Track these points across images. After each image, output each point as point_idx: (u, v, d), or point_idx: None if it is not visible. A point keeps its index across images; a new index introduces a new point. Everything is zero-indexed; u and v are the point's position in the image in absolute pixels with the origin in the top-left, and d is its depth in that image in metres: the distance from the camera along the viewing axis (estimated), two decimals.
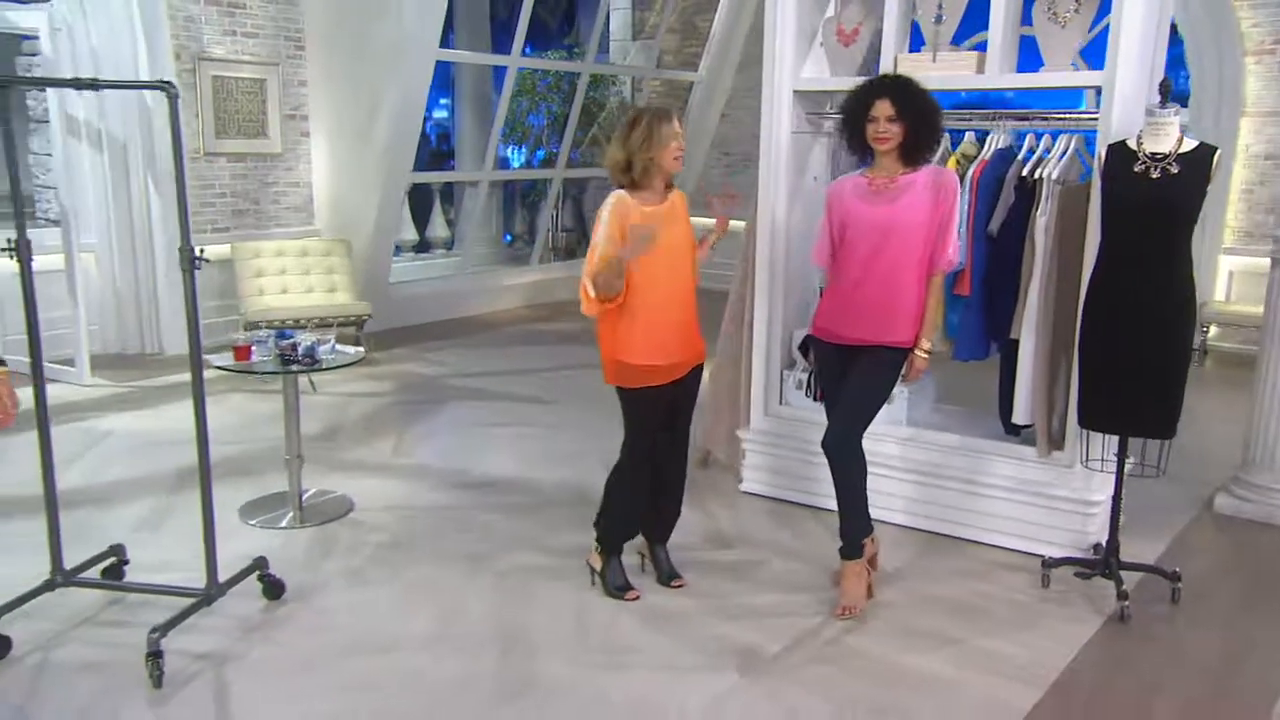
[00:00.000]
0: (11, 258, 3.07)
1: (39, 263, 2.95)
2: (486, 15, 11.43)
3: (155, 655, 2.88)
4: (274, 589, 3.44)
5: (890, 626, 3.35)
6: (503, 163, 13.87)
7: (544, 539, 4.05)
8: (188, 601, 3.16)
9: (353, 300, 7.39)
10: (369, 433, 5.52)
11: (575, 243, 11.98)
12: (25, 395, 5.86)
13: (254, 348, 4.06)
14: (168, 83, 2.86)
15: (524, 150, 13.02)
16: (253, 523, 4.19)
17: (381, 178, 7.86)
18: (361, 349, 4.33)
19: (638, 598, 3.48)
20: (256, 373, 4.08)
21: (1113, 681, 3.04)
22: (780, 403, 4.58)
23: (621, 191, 3.32)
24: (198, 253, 3.00)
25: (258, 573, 3.41)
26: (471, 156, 12.13)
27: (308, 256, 7.45)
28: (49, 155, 6.83)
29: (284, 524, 4.18)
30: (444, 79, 12.64)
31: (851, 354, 3.45)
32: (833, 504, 4.24)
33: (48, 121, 6.76)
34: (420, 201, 10.99)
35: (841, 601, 3.43)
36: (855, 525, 3.45)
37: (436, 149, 15.49)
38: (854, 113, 3.33)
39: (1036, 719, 2.82)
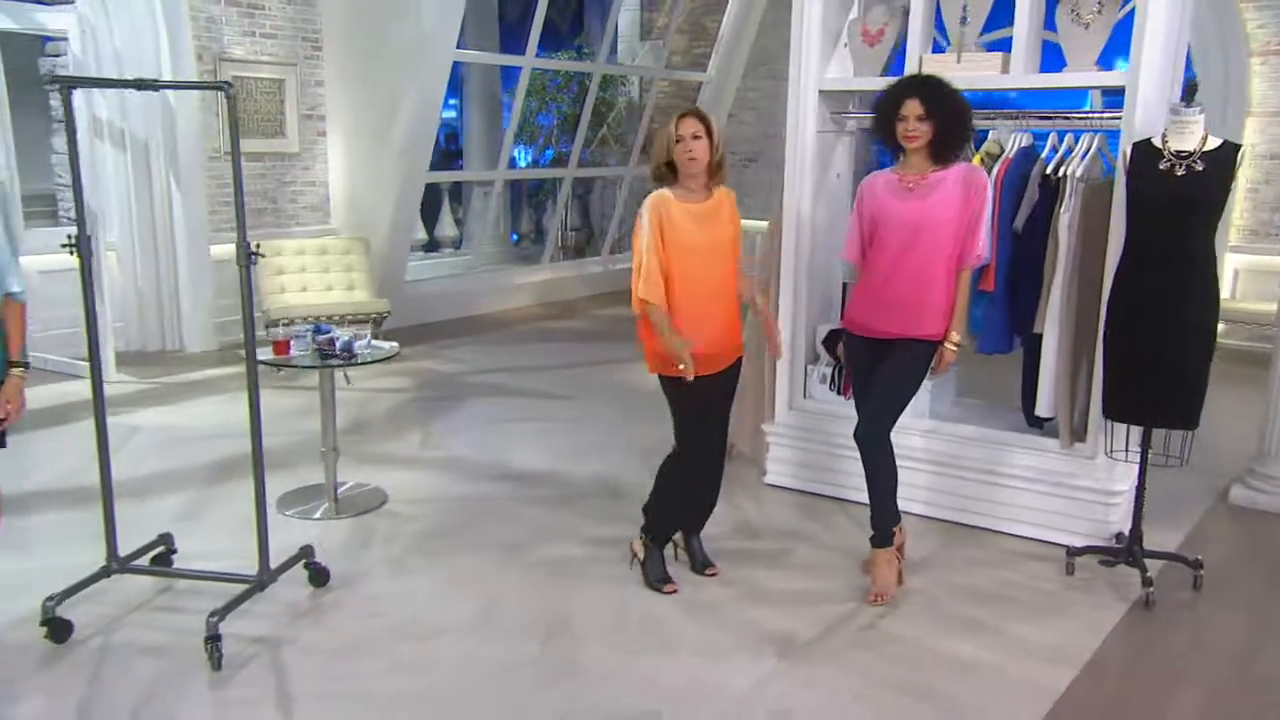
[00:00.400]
0: (71, 253, 3.14)
1: (61, 261, 2.97)
2: (495, 16, 11.52)
3: (214, 639, 2.96)
4: (320, 576, 3.53)
5: (922, 612, 3.44)
6: (510, 162, 13.96)
7: (578, 530, 4.14)
8: (239, 588, 3.25)
9: (371, 298, 7.46)
10: (395, 427, 5.60)
11: (584, 242, 12.07)
12: (60, 391, 5.97)
13: (293, 343, 4.14)
14: (226, 83, 2.94)
15: (531, 150, 13.10)
16: (289, 513, 4.28)
17: (399, 177, 7.94)
18: (396, 344, 4.41)
19: (675, 590, 3.54)
20: (295, 367, 4.15)
21: (1141, 665, 3.13)
22: (804, 397, 4.67)
23: (662, 190, 3.41)
24: (253, 248, 3.07)
25: (304, 560, 3.49)
26: (480, 156, 12.22)
27: (327, 255, 7.51)
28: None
29: (319, 515, 4.26)
30: (452, 79, 12.73)
31: (882, 347, 3.54)
32: (857, 496, 4.37)
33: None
34: (429, 201, 11.06)
35: (873, 588, 3.52)
36: (885, 514, 3.54)
37: (445, 149, 15.56)
38: (885, 111, 3.42)
39: (1070, 700, 2.90)
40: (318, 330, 4.20)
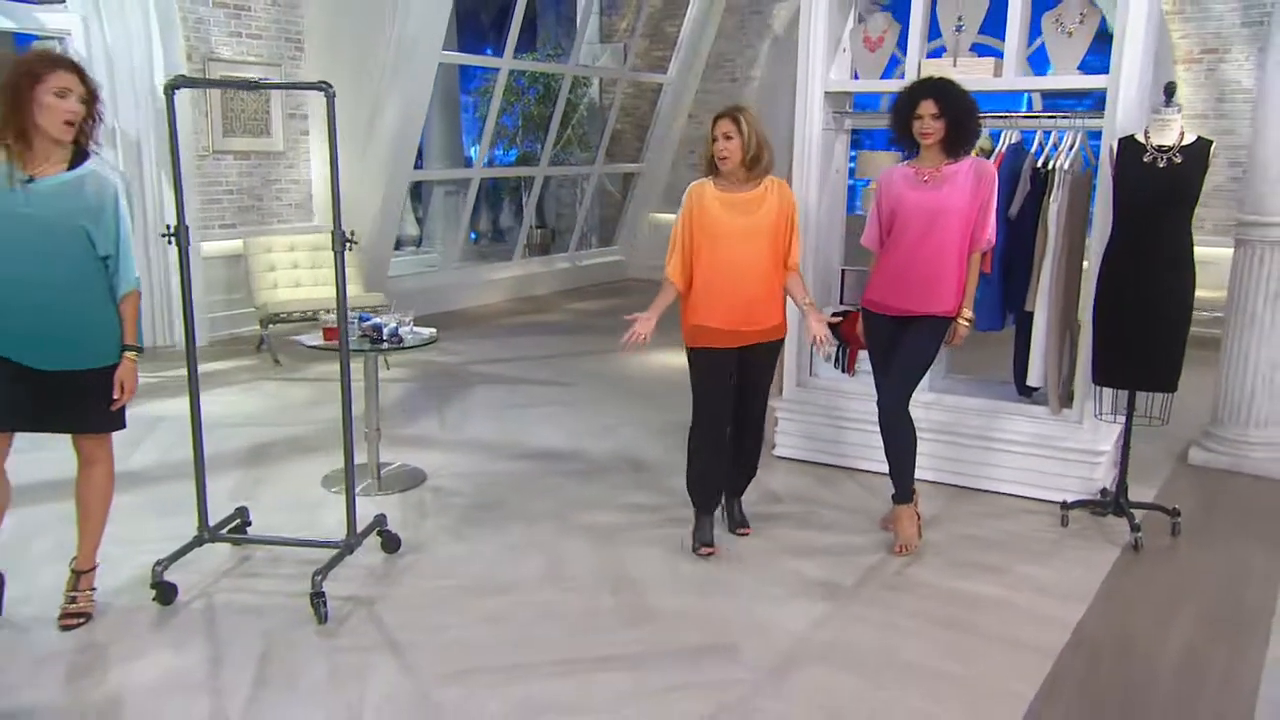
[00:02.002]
0: (170, 242, 3.33)
1: None
2: (452, 16, 11.70)
3: (319, 595, 3.20)
4: (391, 543, 3.77)
5: (941, 560, 3.84)
6: (467, 161, 14.14)
7: (611, 499, 4.44)
8: (323, 553, 3.49)
9: (363, 292, 7.63)
10: (410, 413, 5.82)
11: (549, 239, 12.33)
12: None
13: None
14: (325, 83, 3.17)
15: (497, 149, 13.31)
16: (334, 490, 4.49)
17: (385, 176, 8.12)
18: (434, 330, 4.65)
19: (710, 553, 3.82)
20: (334, 349, 4.35)
21: (1140, 597, 3.57)
22: (810, 375, 5.05)
23: (703, 180, 3.75)
24: (349, 235, 3.30)
25: (378, 529, 3.73)
26: (439, 155, 12.40)
27: (318, 251, 7.67)
28: None
29: (362, 491, 4.47)
30: None
31: (900, 324, 3.93)
32: (863, 464, 4.78)
33: None
34: None
35: (898, 540, 3.91)
36: (908, 475, 3.93)
37: None
38: (902, 111, 3.81)
39: (1086, 626, 3.32)
40: (362, 318, 4.42)
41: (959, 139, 3.77)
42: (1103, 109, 4.12)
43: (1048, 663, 3.06)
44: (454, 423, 5.68)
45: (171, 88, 3.26)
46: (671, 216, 3.86)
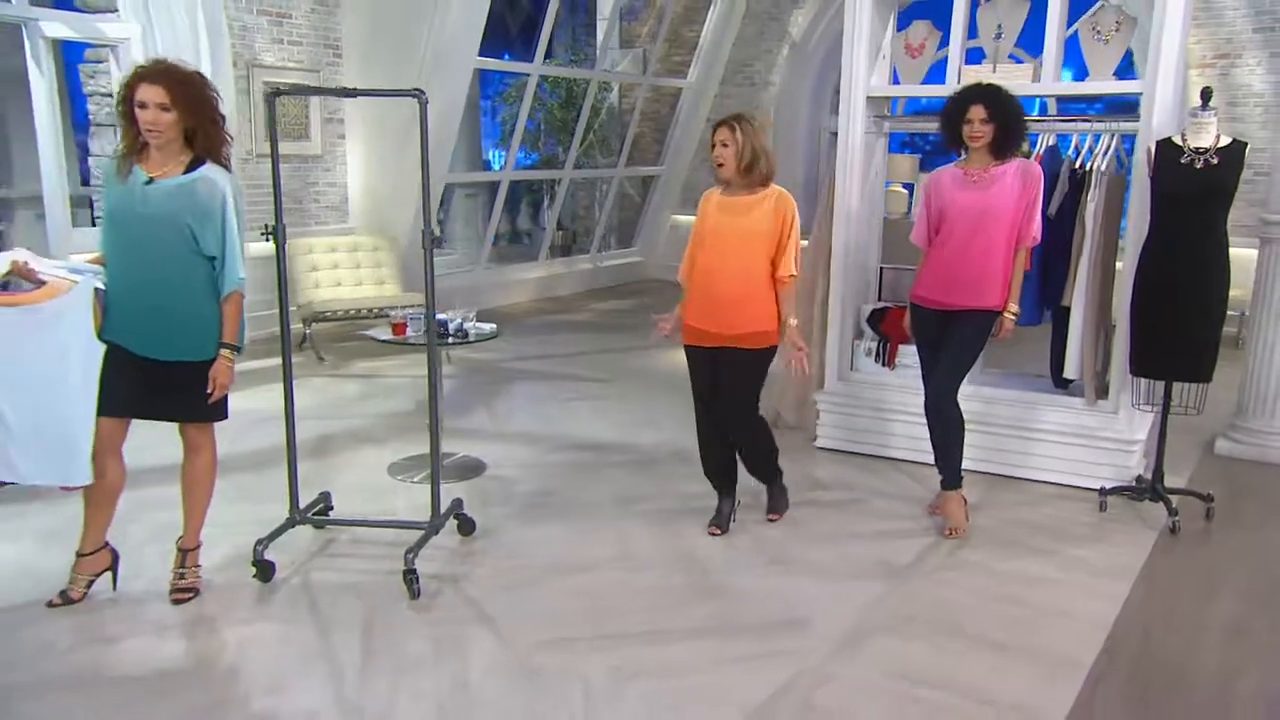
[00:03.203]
0: (267, 240, 3.53)
1: (64, 259, 3.23)
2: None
3: (411, 572, 3.40)
4: (467, 526, 3.96)
5: (990, 542, 4.03)
6: (486, 165, 14.35)
7: (665, 488, 4.63)
8: (401, 534, 3.69)
9: (401, 292, 7.84)
10: (461, 408, 6.01)
11: (570, 241, 12.54)
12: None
13: (409, 325, 4.55)
14: (419, 90, 3.36)
15: (507, 151, 13.51)
16: (399, 479, 4.68)
17: (421, 178, 8.29)
18: (495, 325, 4.84)
19: (716, 534, 4.02)
20: (413, 344, 4.56)
21: (1183, 575, 3.77)
22: (851, 369, 5.25)
23: (714, 188, 3.93)
24: (435, 233, 3.50)
25: (455, 512, 3.92)
26: (459, 158, 12.58)
27: (357, 252, 7.87)
28: (110, 158, 7.11)
29: (420, 479, 4.66)
30: None
31: (948, 318, 4.12)
32: (903, 454, 4.98)
33: (112, 125, 7.06)
34: None
35: (948, 524, 4.10)
36: (957, 462, 4.12)
37: None
38: (952, 115, 4.01)
39: (1134, 601, 3.52)
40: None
41: (1007, 142, 3.97)
42: (1119, 112, 4.32)
43: (1102, 634, 3.26)
44: (503, 416, 5.87)
45: (272, 95, 3.45)
46: (690, 218, 4.06)
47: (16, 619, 3.20)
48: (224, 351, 3.21)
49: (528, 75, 9.97)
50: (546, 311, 9.77)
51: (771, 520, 4.18)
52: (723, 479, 4.13)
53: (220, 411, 3.28)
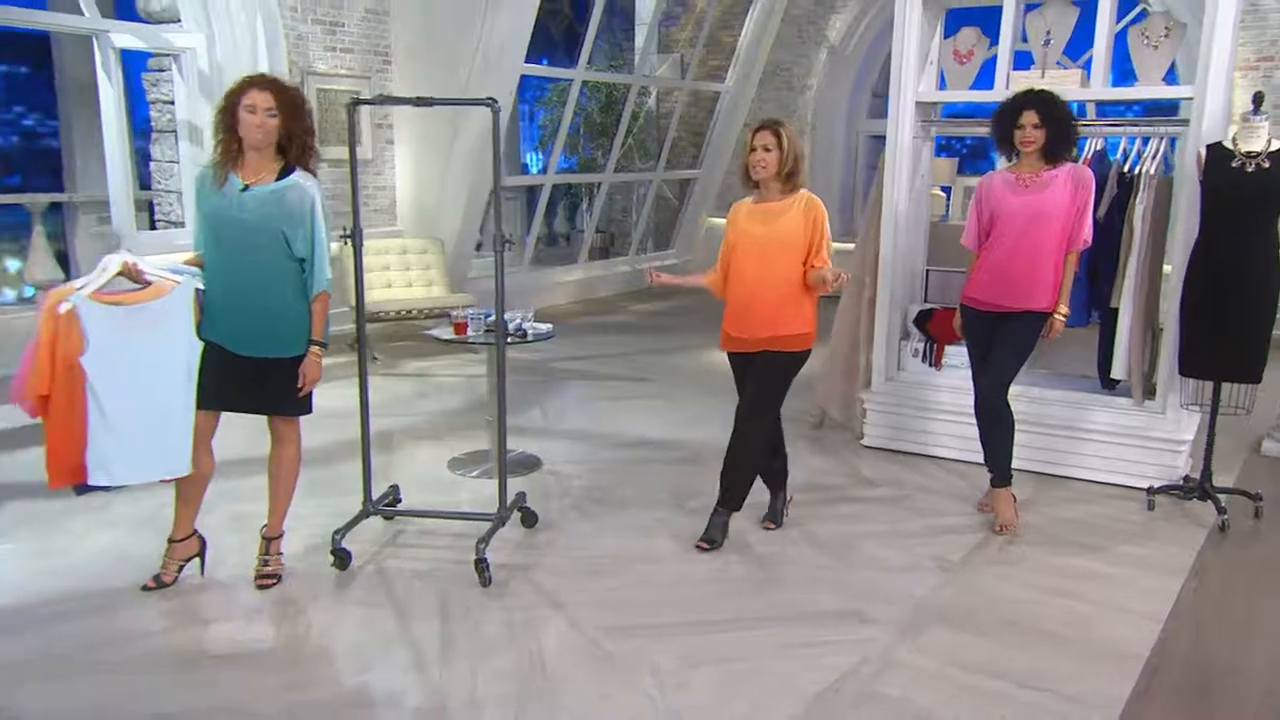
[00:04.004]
0: (345, 244, 3.70)
1: (163, 260, 3.36)
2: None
3: (482, 561, 3.54)
4: (530, 518, 4.11)
5: (1040, 538, 4.11)
6: (524, 168, 14.53)
7: (716, 484, 4.72)
8: (468, 526, 3.85)
9: (448, 293, 8.01)
10: (512, 406, 6.12)
11: (609, 243, 12.69)
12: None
13: (470, 324, 4.70)
14: (491, 99, 3.51)
15: (546, 155, 13.68)
16: (459, 473, 4.84)
17: (468, 182, 8.49)
18: (551, 325, 4.99)
19: (769, 529, 4.12)
20: (475, 343, 4.71)
21: (1233, 572, 3.83)
22: (898, 369, 5.34)
23: (745, 198, 3.95)
24: (507, 236, 3.64)
25: (519, 505, 4.07)
26: (503, 163, 12.79)
27: (407, 254, 8.05)
28: (174, 162, 7.35)
29: (477, 474, 4.82)
30: None
31: (998, 320, 4.20)
32: (949, 453, 5.06)
33: (173, 131, 7.30)
34: None
35: (998, 520, 4.19)
36: (1007, 460, 4.20)
37: None
38: (1004, 120, 4.09)
39: (1186, 596, 3.59)
40: (486, 314, 4.77)
41: (1058, 147, 4.05)
42: (1157, 115, 4.38)
43: (1155, 628, 3.33)
44: (554, 414, 6.02)
45: (352, 105, 3.61)
46: (725, 220, 4.11)
47: (114, 601, 3.38)
48: (313, 348, 3.39)
49: (568, 80, 10.13)
50: (587, 313, 9.91)
51: (700, 549, 3.89)
52: (773, 480, 4.20)
53: (307, 405, 3.45)
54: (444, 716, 2.75)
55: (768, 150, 3.74)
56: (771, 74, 11.87)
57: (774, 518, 4.20)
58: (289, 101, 3.27)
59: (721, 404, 6.12)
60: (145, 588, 3.43)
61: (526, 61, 8.72)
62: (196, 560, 3.53)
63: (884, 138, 5.15)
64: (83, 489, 3.13)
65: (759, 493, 4.34)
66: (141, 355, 3.08)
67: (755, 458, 3.99)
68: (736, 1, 11.49)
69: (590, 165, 12.08)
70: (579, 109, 11.99)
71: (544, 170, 13.33)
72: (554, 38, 13.00)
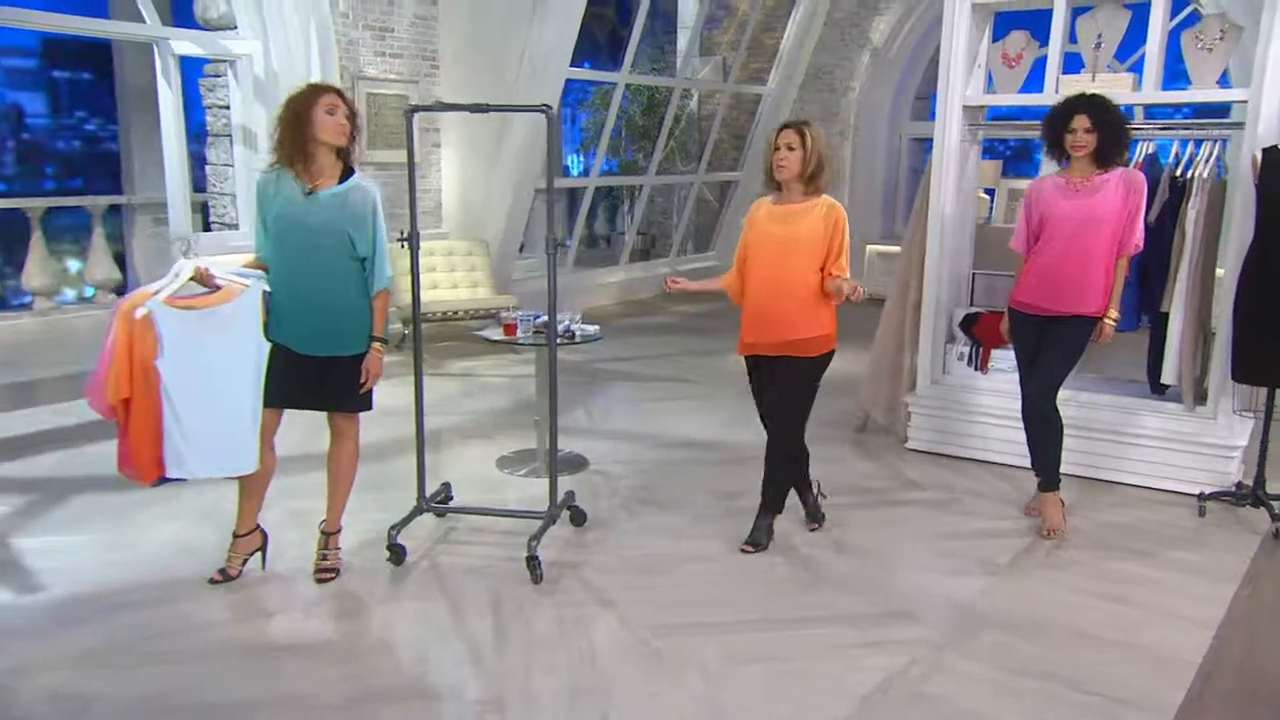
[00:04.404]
0: (403, 246, 3.79)
1: (218, 261, 3.44)
2: None
3: (534, 558, 3.61)
4: (579, 517, 4.17)
5: (1088, 543, 4.10)
6: (565, 171, 14.65)
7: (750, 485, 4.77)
8: (518, 524, 3.93)
9: (493, 294, 8.12)
10: (558, 406, 6.22)
11: (650, 245, 12.75)
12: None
13: (519, 326, 4.77)
14: (546, 106, 3.59)
15: (586, 158, 13.79)
16: (506, 472, 4.92)
17: (513, 185, 8.60)
18: (598, 327, 5.05)
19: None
20: (523, 344, 4.79)
21: None
22: (943, 372, 5.33)
23: (765, 197, 3.92)
24: (559, 239, 3.71)
25: (569, 504, 4.13)
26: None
27: (453, 255, 8.17)
28: (229, 165, 7.52)
29: (525, 473, 4.89)
30: None
31: (1047, 324, 4.19)
32: (994, 457, 5.04)
33: (228, 135, 7.47)
34: None
35: (1046, 524, 4.18)
36: (1055, 464, 4.19)
37: None
38: (1055, 124, 4.08)
39: (1238, 604, 3.56)
40: (535, 316, 4.84)
41: (1109, 151, 4.03)
42: (1205, 118, 4.34)
43: (1208, 635, 3.32)
44: (599, 415, 6.08)
45: (410, 112, 3.71)
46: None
47: (178, 592, 3.50)
48: (375, 345, 3.49)
49: (611, 83, 10.20)
50: (629, 314, 9.98)
51: (745, 551, 3.91)
52: (797, 480, 4.15)
53: (368, 402, 3.54)
54: (501, 708, 2.82)
55: (791, 150, 3.69)
56: (814, 76, 11.86)
57: (814, 516, 4.21)
58: (351, 106, 3.40)
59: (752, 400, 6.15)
60: (212, 581, 3.54)
61: (570, 65, 8.81)
62: (258, 554, 3.63)
63: (926, 140, 5.18)
64: (158, 481, 3.23)
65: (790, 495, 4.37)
66: (212, 358, 3.17)
67: (791, 463, 4.01)
68: (779, 4, 11.50)
69: (631, 168, 12.16)
70: (621, 112, 12.08)
71: (585, 173, 13.46)
72: (597, 41, 13.10)
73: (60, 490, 4.50)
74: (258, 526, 3.61)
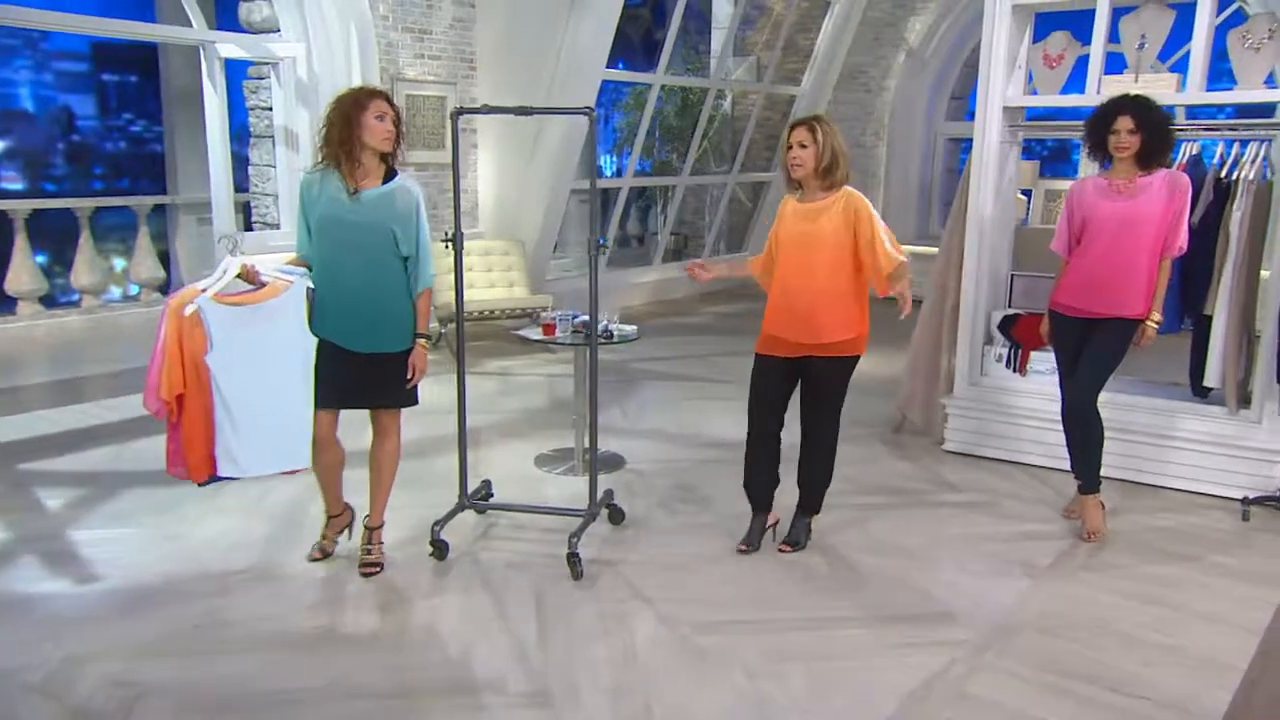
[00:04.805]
0: (447, 247, 3.85)
1: (261, 258, 3.50)
2: None
3: (574, 555, 3.65)
4: (618, 515, 4.21)
5: (1130, 547, 4.08)
6: (599, 171, 14.69)
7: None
8: (558, 521, 3.99)
9: (529, 294, 8.18)
10: None
11: (683, 245, 12.78)
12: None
13: (557, 325, 4.82)
14: (589, 108, 3.63)
15: (620, 158, 13.83)
16: (544, 470, 4.97)
17: (548, 185, 8.66)
18: (636, 327, 5.09)
19: (745, 551, 3.90)
20: (562, 344, 4.83)
21: None
22: (981, 374, 5.32)
23: (792, 193, 3.85)
24: (604, 240, 3.75)
25: (608, 502, 4.17)
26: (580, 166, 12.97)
27: (488, 255, 8.25)
28: (271, 166, 7.64)
29: (562, 471, 4.94)
30: None
31: (1088, 326, 4.17)
32: (1033, 459, 5.01)
33: (270, 137, 7.59)
34: None
35: (1086, 527, 4.16)
36: (1096, 467, 4.17)
37: None
38: (1098, 125, 4.06)
39: None
40: (574, 316, 4.89)
41: (1154, 152, 4.00)
42: (1247, 118, 4.29)
43: (1253, 639, 3.29)
44: (635, 414, 6.12)
45: (455, 115, 3.77)
46: None
47: (230, 584, 3.58)
48: (420, 341, 3.56)
49: (646, 84, 10.24)
50: (663, 314, 10.01)
51: (783, 551, 3.93)
52: (764, 497, 4.01)
53: (413, 397, 3.61)
54: (547, 701, 2.87)
55: (803, 147, 3.63)
56: (848, 76, 11.83)
57: (796, 539, 3.99)
58: (398, 112, 3.47)
59: (791, 401, 6.15)
60: (312, 559, 3.74)
61: (606, 66, 8.86)
62: (346, 529, 3.82)
63: (962, 140, 5.16)
64: (208, 479, 3.30)
65: (837, 494, 4.39)
66: (260, 352, 3.25)
67: (831, 464, 3.98)
68: (814, 4, 11.48)
69: (665, 168, 12.19)
70: (655, 112, 12.11)
71: (619, 173, 13.50)
72: (632, 42, 13.13)
73: (111, 484, 4.61)
74: (346, 505, 3.76)
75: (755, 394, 3.93)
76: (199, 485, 3.34)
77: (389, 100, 3.46)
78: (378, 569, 3.66)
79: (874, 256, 3.61)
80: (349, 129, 3.37)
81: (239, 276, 3.32)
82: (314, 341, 3.38)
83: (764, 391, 3.90)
